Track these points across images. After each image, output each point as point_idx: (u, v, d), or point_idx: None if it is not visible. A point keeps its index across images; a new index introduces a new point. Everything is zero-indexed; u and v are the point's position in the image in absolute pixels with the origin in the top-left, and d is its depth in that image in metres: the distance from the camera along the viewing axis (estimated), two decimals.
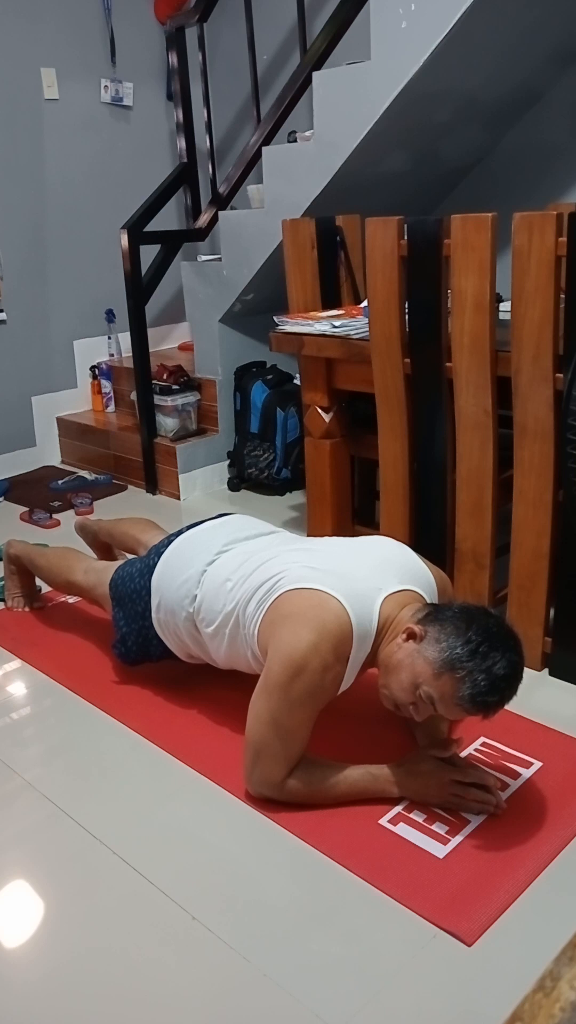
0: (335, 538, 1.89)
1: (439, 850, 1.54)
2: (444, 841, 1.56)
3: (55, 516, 3.27)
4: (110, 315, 3.99)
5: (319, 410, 2.50)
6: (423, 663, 1.51)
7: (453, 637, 1.49)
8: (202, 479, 3.52)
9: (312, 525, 2.62)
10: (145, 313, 3.40)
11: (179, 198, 3.59)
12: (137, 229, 3.28)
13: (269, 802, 1.64)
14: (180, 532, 2.01)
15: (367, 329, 2.25)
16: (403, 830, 1.58)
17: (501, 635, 1.50)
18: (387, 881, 1.48)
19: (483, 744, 1.83)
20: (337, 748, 1.76)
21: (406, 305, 2.15)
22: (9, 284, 3.66)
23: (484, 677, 1.46)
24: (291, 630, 1.56)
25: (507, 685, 1.48)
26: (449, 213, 1.98)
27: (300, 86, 2.98)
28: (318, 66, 2.85)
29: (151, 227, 3.35)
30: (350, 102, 2.61)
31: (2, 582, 2.58)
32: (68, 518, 3.23)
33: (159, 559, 1.95)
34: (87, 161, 3.82)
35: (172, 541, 1.98)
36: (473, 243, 1.94)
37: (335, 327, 2.35)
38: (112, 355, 4.03)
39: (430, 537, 2.29)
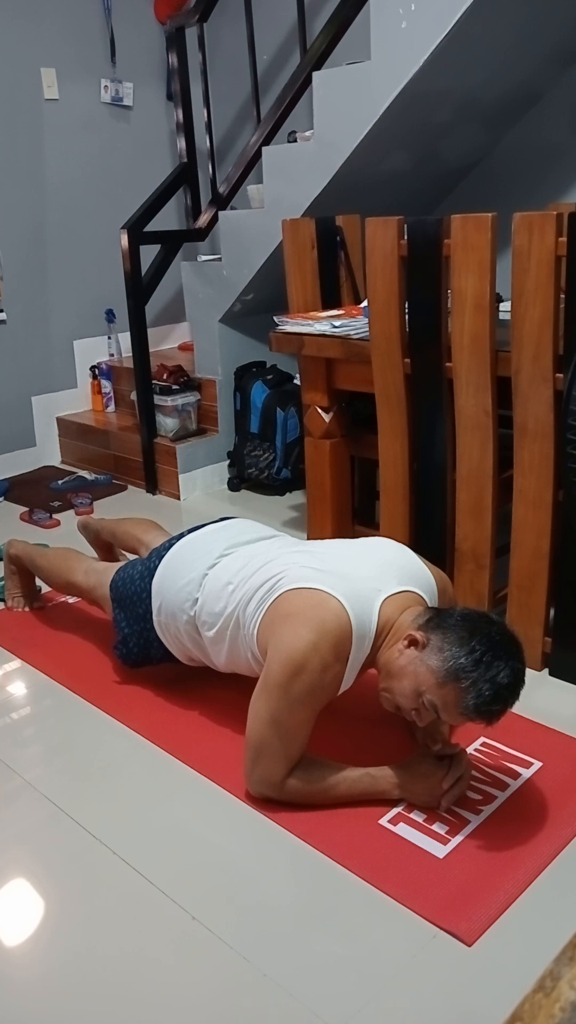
0: (336, 540, 1.89)
1: (439, 850, 1.54)
2: (444, 841, 1.56)
3: (55, 516, 3.27)
4: (110, 315, 3.99)
5: (319, 410, 2.50)
6: (426, 672, 1.51)
7: (456, 646, 1.49)
8: (202, 479, 3.52)
9: (312, 525, 2.62)
10: (145, 313, 3.40)
11: (179, 198, 3.59)
12: (137, 229, 3.28)
13: (269, 802, 1.64)
14: (181, 535, 2.00)
15: (367, 329, 2.25)
16: (403, 830, 1.58)
17: (504, 643, 1.50)
18: (387, 881, 1.48)
19: (483, 744, 1.83)
20: (337, 748, 1.76)
21: (406, 305, 2.15)
22: (9, 284, 3.66)
23: (488, 687, 1.46)
24: (291, 629, 1.56)
25: (510, 693, 1.49)
26: (449, 213, 1.98)
27: (300, 86, 2.98)
28: (318, 66, 2.85)
29: (151, 227, 3.35)
30: (350, 102, 2.61)
31: (2, 582, 2.57)
32: (68, 518, 3.23)
33: (160, 562, 1.95)
34: (87, 161, 3.82)
35: (173, 544, 1.98)
36: (473, 243, 1.94)
37: (335, 327, 2.35)
38: (112, 355, 4.03)
39: (430, 537, 2.29)
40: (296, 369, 2.67)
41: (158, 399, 3.44)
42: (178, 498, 3.47)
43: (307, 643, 1.53)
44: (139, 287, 3.35)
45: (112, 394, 3.93)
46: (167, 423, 3.47)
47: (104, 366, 3.94)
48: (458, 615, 1.55)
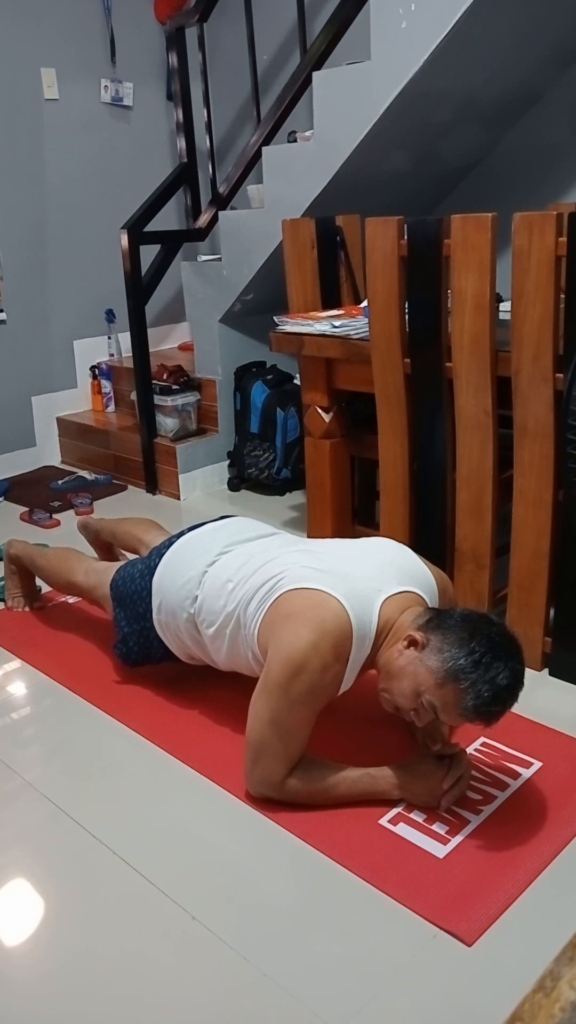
0: (336, 540, 1.89)
1: (439, 850, 1.54)
2: (444, 841, 1.56)
3: (55, 516, 3.27)
4: (110, 315, 3.99)
5: (319, 410, 2.50)
6: (425, 672, 1.51)
7: (456, 647, 1.49)
8: (202, 479, 3.52)
9: (312, 525, 2.62)
10: (145, 313, 3.40)
11: (179, 198, 3.59)
12: (137, 229, 3.28)
13: (269, 802, 1.64)
14: (181, 533, 2.01)
15: (367, 329, 2.25)
16: (403, 830, 1.58)
17: (503, 644, 1.50)
18: (387, 881, 1.48)
19: (483, 744, 1.83)
20: (337, 748, 1.76)
21: (406, 305, 2.15)
22: (9, 284, 3.66)
23: (487, 688, 1.46)
24: (291, 629, 1.56)
25: (509, 694, 1.49)
26: (449, 213, 1.98)
27: (300, 86, 2.98)
28: (318, 66, 2.85)
29: (151, 227, 3.35)
30: (350, 102, 2.61)
31: (2, 582, 2.58)
32: (68, 518, 3.23)
33: (160, 560, 1.95)
34: (87, 161, 3.82)
35: (173, 543, 1.98)
36: (473, 243, 1.94)
37: (335, 327, 2.35)
38: (112, 355, 4.03)
39: (430, 537, 2.29)
40: (296, 369, 2.67)
41: (158, 399, 3.44)
42: (178, 498, 3.47)
43: (307, 643, 1.53)
44: (139, 287, 3.35)
45: (112, 394, 3.93)
46: (167, 423, 3.47)
47: (104, 366, 3.94)
48: (458, 616, 1.55)
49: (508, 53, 2.64)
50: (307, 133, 2.88)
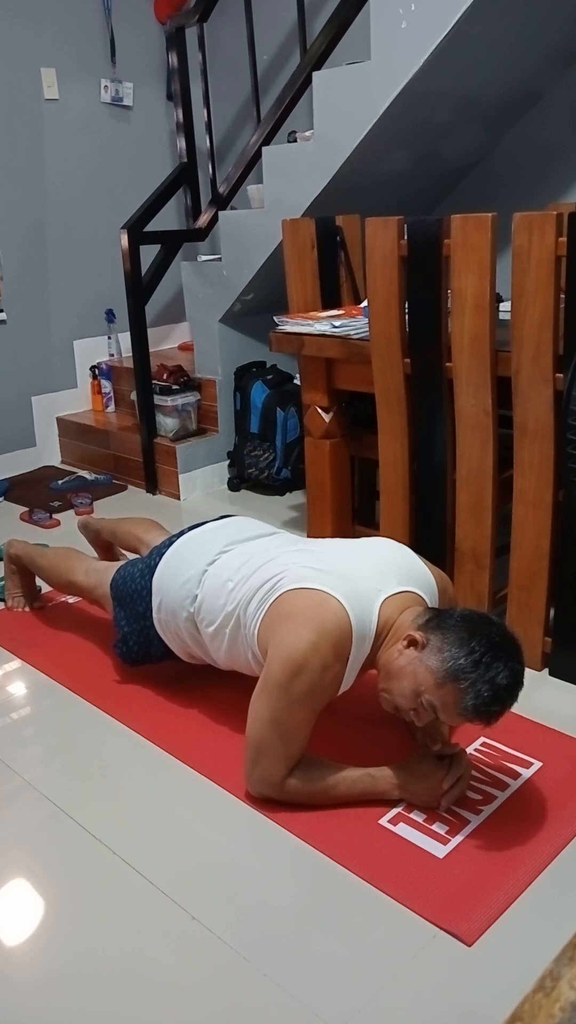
0: (336, 539, 1.89)
1: (439, 850, 1.54)
2: (444, 841, 1.56)
3: (55, 516, 3.27)
4: (110, 315, 3.99)
5: (319, 410, 2.50)
6: (425, 672, 1.51)
7: (456, 647, 1.49)
8: (202, 479, 3.52)
9: (312, 525, 2.62)
10: (145, 313, 3.40)
11: (179, 198, 3.59)
12: (137, 229, 3.28)
13: (269, 802, 1.64)
14: (182, 533, 2.01)
15: (367, 329, 2.25)
16: (403, 830, 1.58)
17: (503, 644, 1.50)
18: (387, 881, 1.48)
19: (483, 744, 1.83)
20: (337, 748, 1.76)
21: (406, 305, 2.15)
22: (9, 284, 3.66)
23: (487, 688, 1.46)
24: (291, 629, 1.56)
25: (509, 694, 1.49)
26: (449, 213, 1.98)
27: (300, 86, 2.98)
28: (318, 66, 2.85)
29: (151, 227, 3.35)
30: (350, 102, 2.61)
31: (2, 582, 2.58)
32: (68, 518, 3.23)
33: (160, 559, 1.95)
34: (87, 161, 3.82)
35: (174, 542, 1.98)
36: (473, 243, 1.94)
37: (335, 327, 2.35)
38: (112, 355, 4.03)
39: (430, 537, 2.29)
40: (296, 369, 2.67)
41: (158, 399, 3.44)
42: (178, 498, 3.47)
43: (307, 643, 1.53)
44: (139, 287, 3.35)
45: (112, 394, 3.93)
46: (167, 423, 3.47)
47: (104, 366, 3.94)
48: (458, 616, 1.55)
49: (508, 53, 2.64)
50: (307, 133, 2.88)
